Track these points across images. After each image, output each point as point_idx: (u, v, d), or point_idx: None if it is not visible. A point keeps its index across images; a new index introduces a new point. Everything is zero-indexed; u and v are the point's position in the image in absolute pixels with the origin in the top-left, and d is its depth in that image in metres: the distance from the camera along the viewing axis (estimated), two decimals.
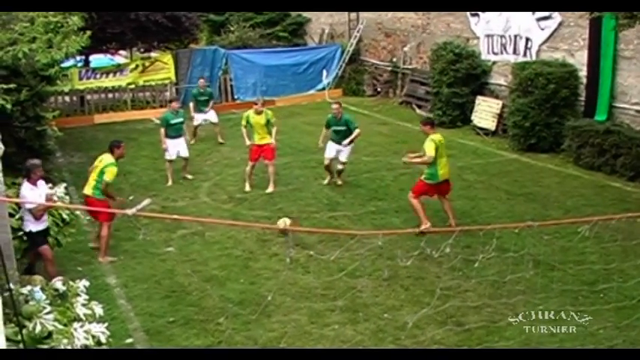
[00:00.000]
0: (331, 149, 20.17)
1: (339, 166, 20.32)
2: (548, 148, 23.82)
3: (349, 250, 14.57)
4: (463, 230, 11.47)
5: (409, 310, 13.01)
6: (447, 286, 13.85)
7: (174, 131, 21.29)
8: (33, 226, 13.99)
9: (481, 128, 26.85)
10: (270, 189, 20.20)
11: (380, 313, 13.03)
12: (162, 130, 21.34)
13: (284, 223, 16.24)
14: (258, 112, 20.59)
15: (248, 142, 20.79)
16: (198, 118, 26.04)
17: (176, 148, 21.30)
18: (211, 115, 26.26)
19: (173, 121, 21.22)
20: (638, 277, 13.39)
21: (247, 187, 20.50)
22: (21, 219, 13.97)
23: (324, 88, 34.36)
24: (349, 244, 14.64)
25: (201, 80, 27.00)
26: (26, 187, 13.93)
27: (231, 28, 37.31)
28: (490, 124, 26.73)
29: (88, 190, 16.11)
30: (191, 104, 26.30)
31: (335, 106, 20.54)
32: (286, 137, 26.03)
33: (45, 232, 14.28)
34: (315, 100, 33.37)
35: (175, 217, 15.74)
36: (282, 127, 27.01)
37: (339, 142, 20.03)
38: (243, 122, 21.00)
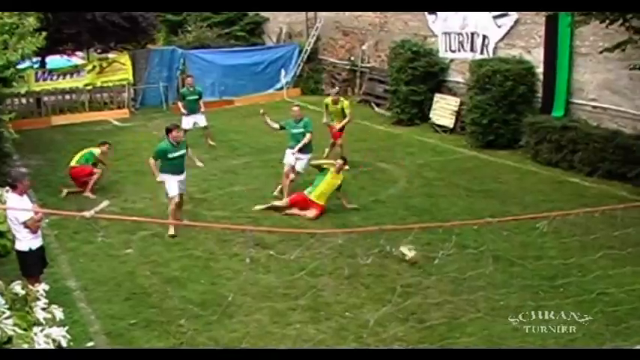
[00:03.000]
0: (289, 155, 19.35)
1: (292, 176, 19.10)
2: (507, 145, 23.99)
3: (309, 249, 14.63)
4: (422, 227, 11.51)
5: (370, 307, 13.03)
6: (407, 283, 13.91)
7: (172, 167, 17.09)
8: (32, 242, 12.67)
9: (439, 126, 26.96)
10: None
11: (341, 311, 13.04)
12: (152, 161, 17.22)
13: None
14: (335, 102, 22.65)
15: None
16: (188, 122, 24.87)
17: (178, 184, 17.12)
18: (200, 119, 25.21)
19: (172, 155, 16.98)
20: (597, 272, 13.52)
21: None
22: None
23: (282, 88, 34.36)
24: (309, 243, 14.67)
25: (189, 79, 26.27)
26: (13, 199, 12.54)
27: (189, 28, 37.18)
28: (448, 121, 26.85)
29: (73, 162, 20.04)
30: (180, 104, 25.66)
31: (295, 108, 20.43)
32: (245, 137, 26.06)
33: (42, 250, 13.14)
34: (274, 100, 33.33)
35: (135, 218, 15.67)
36: (241, 127, 27.09)
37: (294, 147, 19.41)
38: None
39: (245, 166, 21.99)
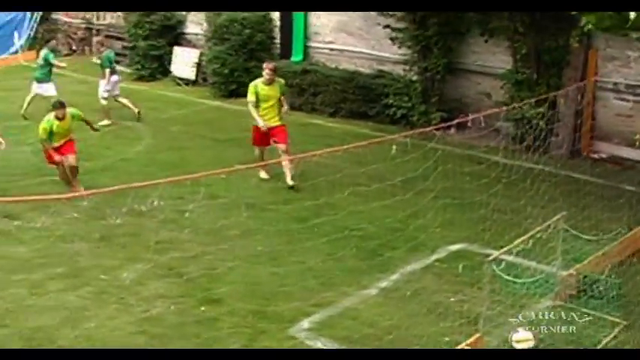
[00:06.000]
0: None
1: None
2: None
3: (60, 215, 14.29)
4: (171, 181, 11.47)
5: (128, 267, 12.85)
6: (163, 239, 13.82)
7: None
8: None
9: (181, 79, 26.87)
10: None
11: (99, 274, 12.81)
12: None
13: None
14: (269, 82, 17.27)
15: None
16: None
17: None
18: None
19: None
20: (348, 209, 13.93)
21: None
22: None
23: (17, 52, 33.19)
24: (58, 208, 14.35)
25: None
26: None
27: None
28: (190, 73, 26.79)
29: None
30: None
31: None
32: None
33: None
34: (9, 65, 32.14)
35: None
36: None
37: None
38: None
39: None
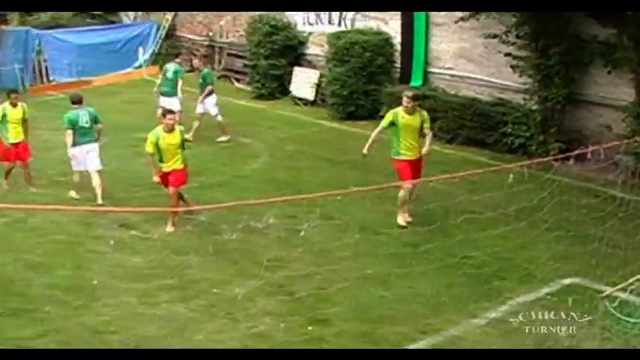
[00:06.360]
0: None
1: None
2: (368, 115, 24.25)
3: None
4: (286, 200, 11.58)
5: (239, 283, 13.01)
6: (274, 256, 13.92)
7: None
8: None
9: (300, 99, 27.08)
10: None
11: (209, 288, 12.99)
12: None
13: None
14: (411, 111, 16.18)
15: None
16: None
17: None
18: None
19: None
20: (460, 236, 13.84)
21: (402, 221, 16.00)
22: None
23: (141, 66, 33.87)
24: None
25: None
26: None
27: None
28: (309, 94, 26.97)
29: None
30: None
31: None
32: (102, 116, 25.54)
33: None
34: (133, 79, 32.85)
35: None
36: (99, 106, 26.46)
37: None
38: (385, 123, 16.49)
39: (105, 147, 21.59)
